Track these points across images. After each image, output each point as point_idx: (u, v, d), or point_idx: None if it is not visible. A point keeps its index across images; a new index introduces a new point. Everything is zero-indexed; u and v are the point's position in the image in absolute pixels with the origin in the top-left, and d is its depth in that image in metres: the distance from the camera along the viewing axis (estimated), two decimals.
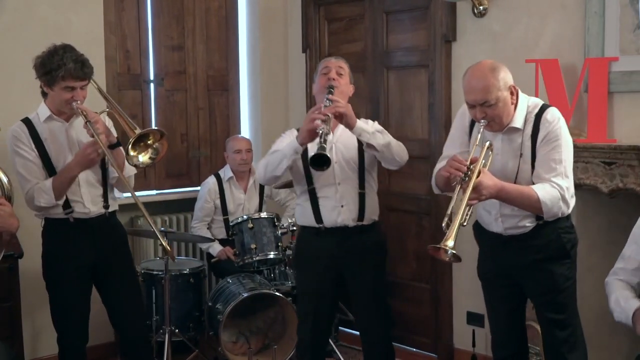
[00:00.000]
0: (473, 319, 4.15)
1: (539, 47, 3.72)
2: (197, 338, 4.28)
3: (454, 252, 2.50)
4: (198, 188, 4.60)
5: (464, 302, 4.20)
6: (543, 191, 2.61)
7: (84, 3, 4.14)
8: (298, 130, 3.24)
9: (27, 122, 3.13)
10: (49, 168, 3.10)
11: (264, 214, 4.21)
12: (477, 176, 2.55)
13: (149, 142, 3.03)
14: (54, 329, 4.10)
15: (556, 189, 2.62)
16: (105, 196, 3.22)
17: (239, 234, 4.14)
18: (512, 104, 2.70)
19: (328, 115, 2.92)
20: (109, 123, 3.26)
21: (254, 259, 4.08)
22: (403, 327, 4.51)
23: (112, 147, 3.08)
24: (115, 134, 3.19)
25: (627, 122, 3.37)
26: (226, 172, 4.48)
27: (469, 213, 2.61)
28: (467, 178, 2.56)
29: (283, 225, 4.20)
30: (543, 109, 2.73)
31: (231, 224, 4.24)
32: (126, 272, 3.33)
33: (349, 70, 3.24)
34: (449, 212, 2.58)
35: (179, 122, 4.78)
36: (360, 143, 3.14)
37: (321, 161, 2.83)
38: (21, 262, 3.60)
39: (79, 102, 3.02)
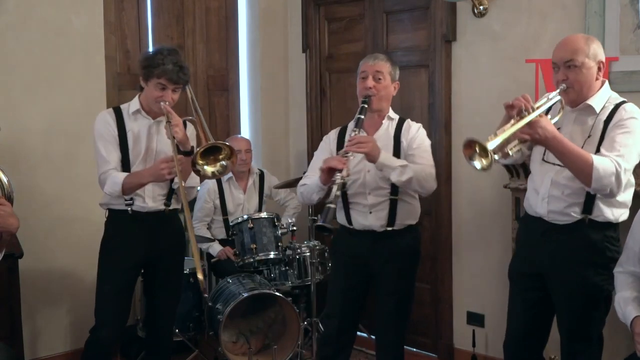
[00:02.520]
0: (473, 319, 4.15)
1: (539, 47, 3.72)
2: (197, 338, 4.28)
3: (488, 159, 2.44)
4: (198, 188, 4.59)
5: (464, 302, 4.20)
6: (600, 159, 2.56)
7: (84, 3, 4.13)
8: (342, 128, 3.30)
9: (117, 110, 3.26)
10: (124, 158, 3.21)
11: (264, 214, 4.21)
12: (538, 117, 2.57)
13: (219, 156, 3.07)
14: (53, 329, 4.12)
15: (614, 163, 2.55)
16: (168, 195, 3.31)
17: (239, 234, 4.14)
18: (596, 79, 2.70)
19: (347, 157, 2.93)
20: (191, 132, 3.31)
21: (254, 259, 4.08)
22: None
23: (185, 154, 3.14)
24: (194, 142, 3.26)
25: None
26: None
27: (517, 147, 2.64)
28: (526, 112, 2.57)
29: (283, 225, 4.20)
30: (624, 102, 2.73)
31: (231, 224, 4.24)
32: (172, 270, 3.40)
33: (390, 69, 3.21)
34: (497, 131, 2.54)
35: None
36: (396, 150, 3.16)
37: (323, 230, 2.85)
38: (21, 262, 3.60)
39: (167, 103, 3.12)
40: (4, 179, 3.16)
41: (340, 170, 2.89)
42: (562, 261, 2.74)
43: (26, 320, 3.79)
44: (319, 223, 2.82)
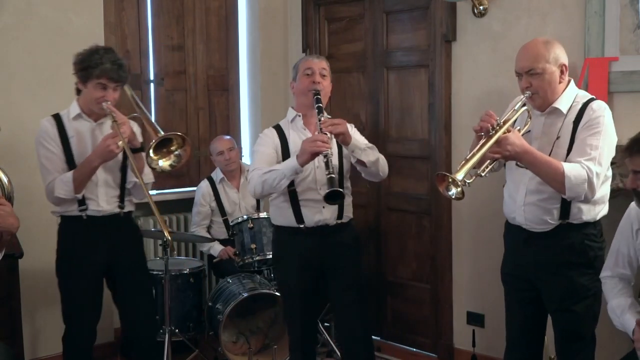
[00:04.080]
0: (473, 318, 4.15)
1: None
2: (197, 338, 4.28)
3: (459, 188, 2.49)
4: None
5: (464, 302, 4.20)
6: (570, 167, 2.58)
7: (84, 3, 4.14)
8: (276, 129, 3.27)
9: (56, 117, 3.21)
10: (71, 165, 3.15)
11: (263, 214, 4.21)
12: (505, 133, 2.58)
13: (172, 148, 3.07)
14: (53, 329, 4.10)
15: (585, 170, 2.57)
16: (121, 197, 3.27)
17: (239, 234, 4.14)
18: (560, 82, 2.71)
19: (329, 137, 2.94)
20: (136, 130, 3.29)
21: (254, 259, 4.08)
22: (403, 327, 4.51)
23: (135, 151, 3.13)
24: (141, 139, 3.24)
25: (627, 122, 3.36)
26: (217, 174, 4.50)
27: (489, 167, 2.65)
28: (493, 131, 2.58)
29: None
30: (591, 100, 2.73)
31: (231, 224, 4.25)
32: (138, 272, 3.37)
33: (329, 69, 3.27)
34: (467, 157, 2.57)
35: (179, 122, 4.78)
36: (340, 150, 3.21)
37: (335, 196, 2.86)
38: (21, 262, 3.60)
39: (109, 102, 3.08)
40: (4, 179, 3.16)
41: (328, 148, 2.92)
42: (546, 266, 2.77)
43: (26, 320, 3.80)
44: (332, 189, 2.83)
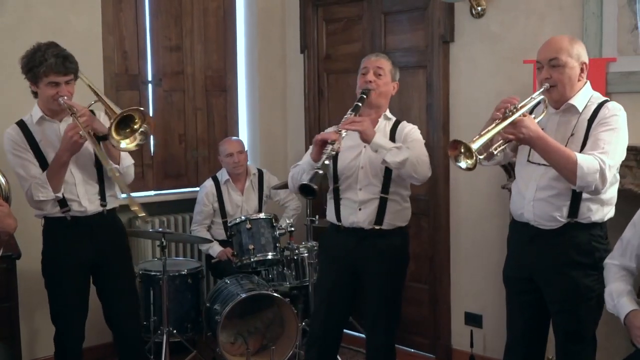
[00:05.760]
0: (471, 319, 4.15)
1: (537, 47, 3.64)
2: (195, 339, 4.28)
3: (470, 160, 2.50)
4: (196, 189, 4.60)
5: (462, 303, 4.21)
6: (583, 157, 2.58)
7: (83, 4, 4.14)
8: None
9: (21, 124, 3.16)
10: (44, 168, 3.10)
11: (262, 215, 4.21)
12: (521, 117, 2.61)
13: (135, 126, 3.01)
14: (51, 330, 4.09)
15: (597, 160, 2.57)
16: (102, 194, 3.23)
17: (237, 235, 4.14)
18: (578, 80, 2.74)
19: (340, 133, 2.92)
20: (104, 118, 3.24)
21: (252, 259, 4.08)
22: (401, 327, 4.47)
23: (103, 138, 3.06)
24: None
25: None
26: (223, 175, 4.49)
27: (502, 147, 2.68)
28: (510, 113, 2.61)
29: (281, 225, 4.20)
30: (606, 101, 2.76)
31: (229, 224, 4.24)
32: (124, 270, 3.36)
33: (391, 67, 3.22)
34: (481, 132, 2.58)
35: (177, 123, 4.78)
36: None
37: (307, 191, 2.82)
38: (19, 263, 3.59)
39: (65, 97, 3.03)
40: (2, 180, 3.17)
41: (333, 142, 2.89)
42: (551, 265, 2.76)
43: (24, 320, 3.79)
44: (304, 182, 2.81)
